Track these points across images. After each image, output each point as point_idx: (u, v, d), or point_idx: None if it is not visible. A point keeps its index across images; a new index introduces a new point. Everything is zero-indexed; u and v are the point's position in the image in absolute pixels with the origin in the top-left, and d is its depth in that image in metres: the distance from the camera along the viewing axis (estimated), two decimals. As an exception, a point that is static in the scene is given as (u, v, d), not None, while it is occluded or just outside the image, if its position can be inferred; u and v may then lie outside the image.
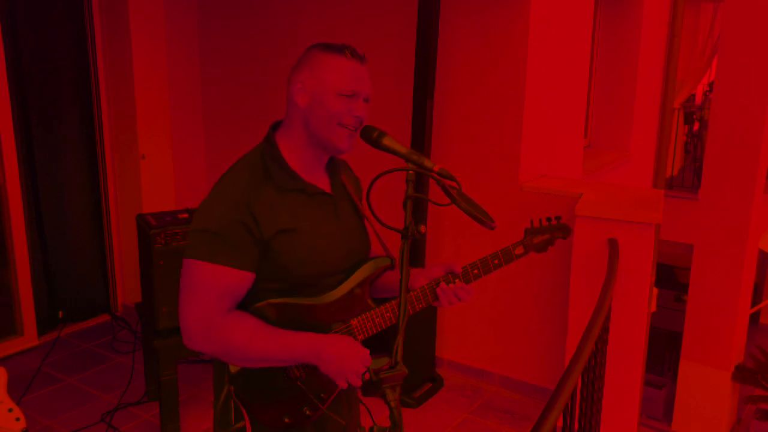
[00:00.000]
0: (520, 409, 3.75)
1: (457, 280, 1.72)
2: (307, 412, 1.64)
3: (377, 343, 1.80)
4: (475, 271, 1.75)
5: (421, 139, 3.62)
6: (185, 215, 3.36)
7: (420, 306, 1.73)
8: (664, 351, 10.29)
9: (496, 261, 1.76)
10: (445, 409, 3.70)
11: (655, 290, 5.90)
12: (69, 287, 4.52)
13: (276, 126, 1.68)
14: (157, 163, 4.62)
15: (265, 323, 1.56)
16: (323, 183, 1.68)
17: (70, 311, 4.52)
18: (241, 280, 1.55)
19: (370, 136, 1.59)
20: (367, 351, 1.60)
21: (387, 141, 1.58)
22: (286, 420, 1.63)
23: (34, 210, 4.31)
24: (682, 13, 6.64)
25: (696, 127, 10.13)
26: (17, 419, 2.71)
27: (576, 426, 2.14)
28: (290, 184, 1.60)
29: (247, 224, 1.52)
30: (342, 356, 1.56)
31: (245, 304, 1.59)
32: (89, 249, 4.61)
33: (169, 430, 3.24)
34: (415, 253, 3.72)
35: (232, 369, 1.61)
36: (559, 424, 1.81)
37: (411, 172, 1.52)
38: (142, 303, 3.53)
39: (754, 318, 11.54)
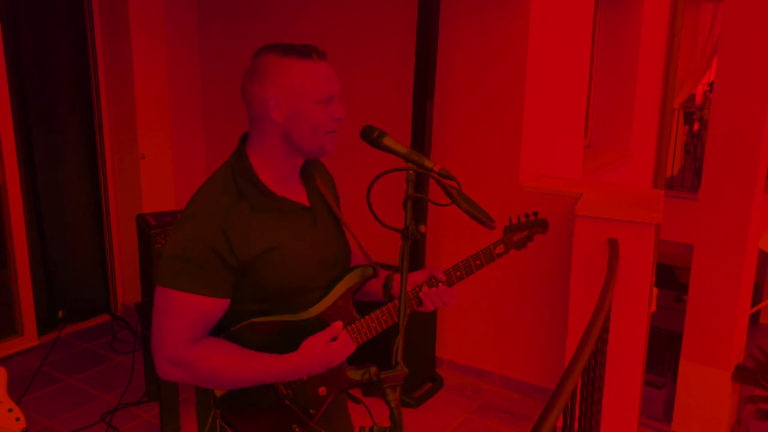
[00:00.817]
0: (520, 409, 3.75)
1: (440, 284, 1.70)
2: (297, 430, 1.61)
3: (372, 347, 1.79)
4: (458, 273, 1.73)
5: (421, 139, 3.62)
6: (185, 215, 3.36)
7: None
8: (664, 351, 10.30)
9: (477, 262, 1.75)
10: (445, 409, 3.70)
11: (655, 290, 5.90)
12: (69, 287, 4.52)
13: (245, 137, 1.61)
14: (157, 163, 4.62)
15: (239, 347, 1.51)
16: (299, 194, 1.63)
17: (70, 311, 4.52)
18: (214, 307, 1.49)
19: (371, 136, 1.56)
20: (339, 327, 1.55)
21: (387, 141, 1.55)
22: None
23: (34, 210, 4.30)
24: (682, 13, 6.64)
25: (696, 127, 10.13)
26: (17, 419, 2.71)
27: (576, 426, 2.14)
28: (265, 203, 1.53)
29: (220, 250, 1.45)
30: (324, 358, 1.52)
31: (224, 327, 1.54)
32: (89, 249, 4.61)
33: (169, 430, 3.24)
34: (415, 253, 3.72)
35: (218, 393, 1.56)
36: (559, 424, 1.81)
37: (411, 172, 1.51)
38: (142, 303, 3.53)
39: (754, 318, 11.54)
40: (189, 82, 4.82)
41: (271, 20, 4.46)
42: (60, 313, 4.47)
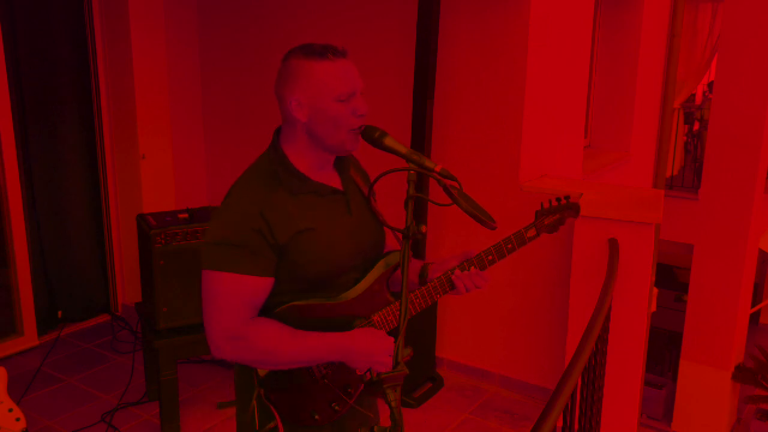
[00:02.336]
0: (520, 409, 3.75)
1: (472, 267, 1.73)
2: (336, 408, 1.67)
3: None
4: (490, 257, 1.76)
5: (421, 139, 3.62)
6: (185, 215, 3.36)
7: (437, 296, 1.74)
8: (664, 351, 10.30)
9: (509, 246, 1.78)
10: (445, 409, 3.70)
11: (655, 290, 5.90)
12: (69, 287, 4.52)
13: (278, 131, 1.68)
14: (157, 163, 4.61)
15: (289, 327, 1.57)
16: (334, 181, 1.69)
17: (70, 311, 4.52)
18: (261, 286, 1.56)
19: (372, 136, 1.59)
20: (392, 339, 1.62)
21: (388, 141, 1.58)
22: (317, 417, 1.65)
23: (34, 210, 4.30)
24: (682, 13, 6.63)
25: (696, 127, 10.14)
26: (17, 419, 2.71)
27: (576, 426, 2.14)
28: (301, 188, 1.61)
29: (262, 232, 1.53)
30: (369, 350, 1.59)
31: (267, 308, 1.61)
32: (89, 249, 4.61)
33: (169, 430, 3.24)
34: (416, 253, 3.72)
35: (261, 372, 1.62)
36: (559, 424, 1.81)
37: (412, 172, 1.53)
38: (142, 303, 3.53)
39: (754, 318, 11.54)
40: (189, 82, 4.82)
41: (271, 20, 4.46)
42: (60, 313, 4.47)
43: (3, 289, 4.27)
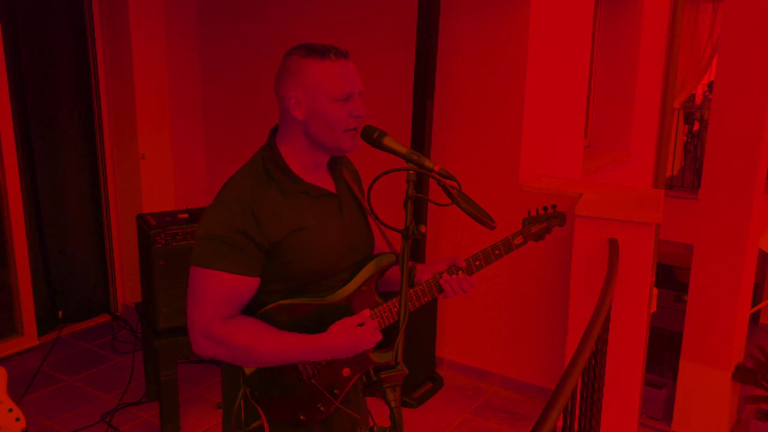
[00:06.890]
0: (520, 409, 3.75)
1: (460, 272, 1.75)
2: (321, 408, 1.66)
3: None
4: (477, 263, 1.78)
5: (421, 139, 3.62)
6: (185, 215, 3.36)
7: (425, 299, 1.75)
8: (664, 351, 10.31)
9: (497, 252, 1.80)
10: (445, 409, 3.70)
11: (655, 290, 5.90)
12: (69, 287, 4.52)
13: (275, 130, 1.68)
14: (157, 163, 4.61)
15: (268, 326, 1.57)
16: (326, 182, 1.69)
17: (70, 311, 4.52)
18: (245, 286, 1.56)
19: (371, 137, 1.59)
20: (368, 315, 1.62)
21: (387, 141, 1.58)
22: (302, 417, 1.65)
23: (34, 210, 4.30)
24: (682, 13, 6.64)
25: (696, 127, 10.13)
26: (17, 419, 2.71)
27: (576, 426, 2.14)
28: (294, 188, 1.61)
29: (251, 232, 1.53)
30: (352, 341, 1.58)
31: (252, 308, 1.60)
32: (89, 249, 4.61)
33: (169, 430, 3.24)
34: (416, 252, 3.72)
35: (247, 371, 1.62)
36: (559, 424, 1.81)
37: (411, 172, 1.53)
38: (142, 303, 3.53)
39: (754, 318, 11.55)
40: (189, 82, 4.82)
41: (271, 20, 4.46)
42: (60, 313, 4.47)
43: (3, 289, 4.27)
